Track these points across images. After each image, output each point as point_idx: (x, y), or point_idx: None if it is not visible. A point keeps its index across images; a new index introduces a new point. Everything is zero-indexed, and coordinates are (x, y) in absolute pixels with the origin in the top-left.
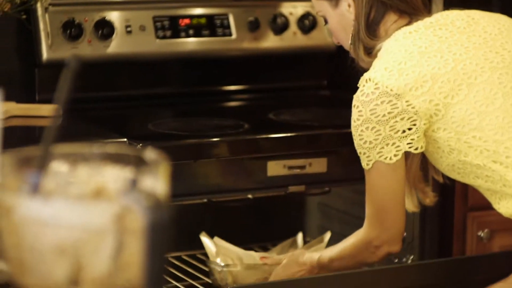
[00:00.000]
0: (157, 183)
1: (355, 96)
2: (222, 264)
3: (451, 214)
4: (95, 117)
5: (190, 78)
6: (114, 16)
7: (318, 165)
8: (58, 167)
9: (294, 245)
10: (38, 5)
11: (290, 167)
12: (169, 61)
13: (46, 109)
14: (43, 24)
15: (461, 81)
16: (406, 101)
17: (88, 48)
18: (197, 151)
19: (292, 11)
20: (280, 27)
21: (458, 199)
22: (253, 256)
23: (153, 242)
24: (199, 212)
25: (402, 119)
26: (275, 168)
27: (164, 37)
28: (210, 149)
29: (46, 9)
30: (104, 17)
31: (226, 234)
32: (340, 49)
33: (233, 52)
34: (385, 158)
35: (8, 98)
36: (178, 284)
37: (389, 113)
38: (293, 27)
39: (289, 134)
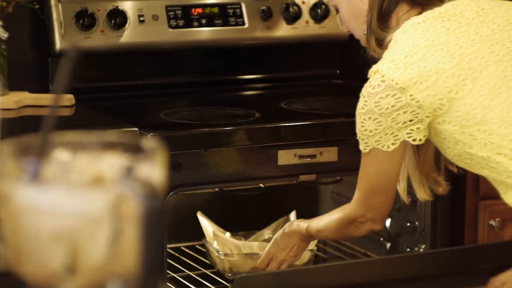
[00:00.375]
0: (153, 171)
1: (364, 86)
2: (221, 252)
3: (463, 203)
4: (108, 107)
5: (203, 67)
6: (127, 6)
7: (329, 154)
8: (57, 155)
9: (287, 222)
10: None
11: (301, 156)
12: (181, 50)
13: None
14: (56, 14)
15: (466, 76)
16: (410, 95)
17: (101, 37)
18: (208, 140)
19: (305, 0)
20: (293, 16)
21: (470, 189)
22: (251, 246)
23: (148, 230)
24: (211, 201)
25: (405, 112)
26: (286, 157)
27: (176, 27)
28: (220, 138)
29: None
30: (117, 7)
31: (238, 223)
32: (352, 38)
33: (246, 41)
34: (383, 146)
35: (21, 87)
36: (191, 273)
37: (392, 106)
38: (306, 16)
39: (299, 123)
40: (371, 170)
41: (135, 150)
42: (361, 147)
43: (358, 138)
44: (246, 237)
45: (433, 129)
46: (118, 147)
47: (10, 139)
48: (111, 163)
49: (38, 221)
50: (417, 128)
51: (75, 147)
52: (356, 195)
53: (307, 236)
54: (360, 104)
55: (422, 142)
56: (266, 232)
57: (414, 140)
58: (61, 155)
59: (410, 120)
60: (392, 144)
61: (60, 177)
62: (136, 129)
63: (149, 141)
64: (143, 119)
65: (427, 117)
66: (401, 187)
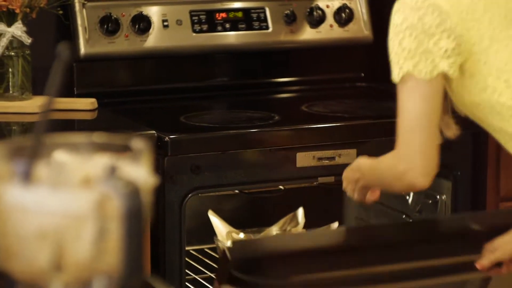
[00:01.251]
0: (138, 170)
1: (398, 2)
2: None
3: (483, 205)
4: (130, 111)
5: (227, 71)
6: (151, 11)
7: (347, 156)
8: (49, 156)
9: (294, 220)
10: (76, 0)
11: (320, 159)
12: (205, 55)
13: (82, 103)
14: (81, 19)
15: None
16: (455, 22)
17: (125, 42)
18: (225, 143)
19: (329, 3)
20: (317, 20)
21: (490, 190)
22: None
23: (130, 229)
24: (231, 203)
25: (448, 37)
26: (305, 159)
27: (200, 31)
28: (238, 140)
29: (83, 5)
30: (141, 12)
31: (258, 225)
32: (377, 41)
33: (270, 45)
34: (420, 72)
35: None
36: (212, 275)
37: (437, 26)
38: (330, 19)
39: (318, 126)
40: (406, 102)
41: (122, 150)
42: (394, 74)
43: (391, 63)
44: (255, 234)
45: (463, 69)
46: (106, 148)
47: (2, 141)
48: (98, 164)
49: (25, 220)
50: (454, 61)
51: (66, 148)
52: (396, 136)
53: (353, 174)
54: (397, 20)
55: (454, 76)
56: (274, 229)
57: (452, 73)
58: (52, 157)
59: (452, 49)
60: (430, 72)
61: (51, 178)
62: (154, 132)
63: (137, 142)
64: (163, 122)
65: (466, 52)
66: None
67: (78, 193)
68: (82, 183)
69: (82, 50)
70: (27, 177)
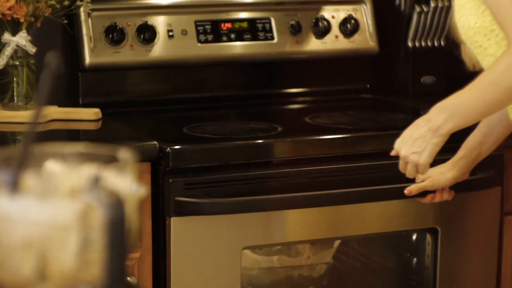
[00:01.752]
0: (122, 181)
1: None
2: None
3: None
4: (135, 121)
5: (232, 82)
6: (156, 21)
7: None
8: (37, 166)
9: None
10: (81, 9)
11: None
12: (210, 65)
13: (86, 113)
14: (86, 29)
15: None
16: None
17: (130, 52)
18: (225, 154)
19: (334, 14)
20: (322, 30)
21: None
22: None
23: (113, 239)
24: None
25: None
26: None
27: (206, 41)
28: (237, 152)
29: (88, 14)
30: (146, 22)
31: None
32: (382, 52)
33: (275, 56)
34: None
35: (52, 102)
36: None
37: None
38: (335, 30)
39: (317, 137)
40: None
41: (108, 161)
42: None
43: None
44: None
45: None
46: (93, 158)
47: None
48: (83, 174)
49: (10, 229)
50: None
51: (53, 158)
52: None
53: (436, 119)
54: None
55: None
56: None
57: None
58: (41, 166)
59: None
60: None
61: (38, 188)
62: (155, 142)
63: (123, 153)
64: (165, 133)
65: None
66: None
67: (62, 203)
68: (68, 193)
69: (87, 59)
70: (13, 187)
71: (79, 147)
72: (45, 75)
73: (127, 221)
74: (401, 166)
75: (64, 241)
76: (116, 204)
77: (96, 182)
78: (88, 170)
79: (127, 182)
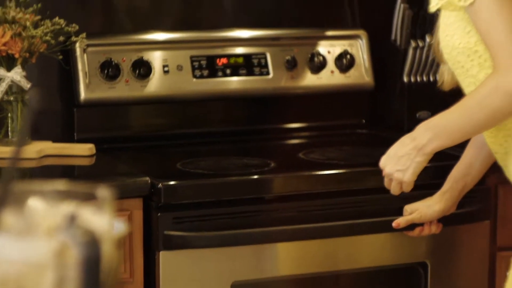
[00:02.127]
0: (101, 219)
1: None
2: None
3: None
4: (129, 156)
5: (227, 117)
6: (152, 56)
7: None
8: (16, 204)
9: None
10: (77, 45)
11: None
12: (206, 100)
13: (80, 148)
14: (81, 64)
15: None
16: None
17: (125, 88)
18: (216, 190)
19: (330, 49)
20: (318, 66)
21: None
22: None
23: (88, 278)
24: None
25: None
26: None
27: (201, 77)
28: (228, 187)
29: (84, 50)
30: (142, 57)
31: None
32: (378, 87)
33: (271, 91)
34: None
35: (47, 137)
36: None
37: None
38: (331, 65)
39: (307, 173)
40: (499, 15)
41: (86, 198)
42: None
43: None
44: None
45: None
46: (71, 196)
47: None
48: (60, 212)
49: None
50: None
51: (32, 196)
52: (497, 60)
53: (421, 138)
54: None
55: None
56: None
57: None
58: (19, 204)
59: None
60: None
61: (16, 226)
62: (147, 178)
63: (102, 190)
64: (159, 168)
65: None
66: None
67: (39, 241)
68: (46, 231)
69: (82, 95)
70: None
71: (58, 184)
72: (26, 112)
73: (104, 260)
74: (386, 183)
75: (40, 280)
76: (92, 243)
77: (72, 220)
78: (65, 208)
79: (105, 220)
